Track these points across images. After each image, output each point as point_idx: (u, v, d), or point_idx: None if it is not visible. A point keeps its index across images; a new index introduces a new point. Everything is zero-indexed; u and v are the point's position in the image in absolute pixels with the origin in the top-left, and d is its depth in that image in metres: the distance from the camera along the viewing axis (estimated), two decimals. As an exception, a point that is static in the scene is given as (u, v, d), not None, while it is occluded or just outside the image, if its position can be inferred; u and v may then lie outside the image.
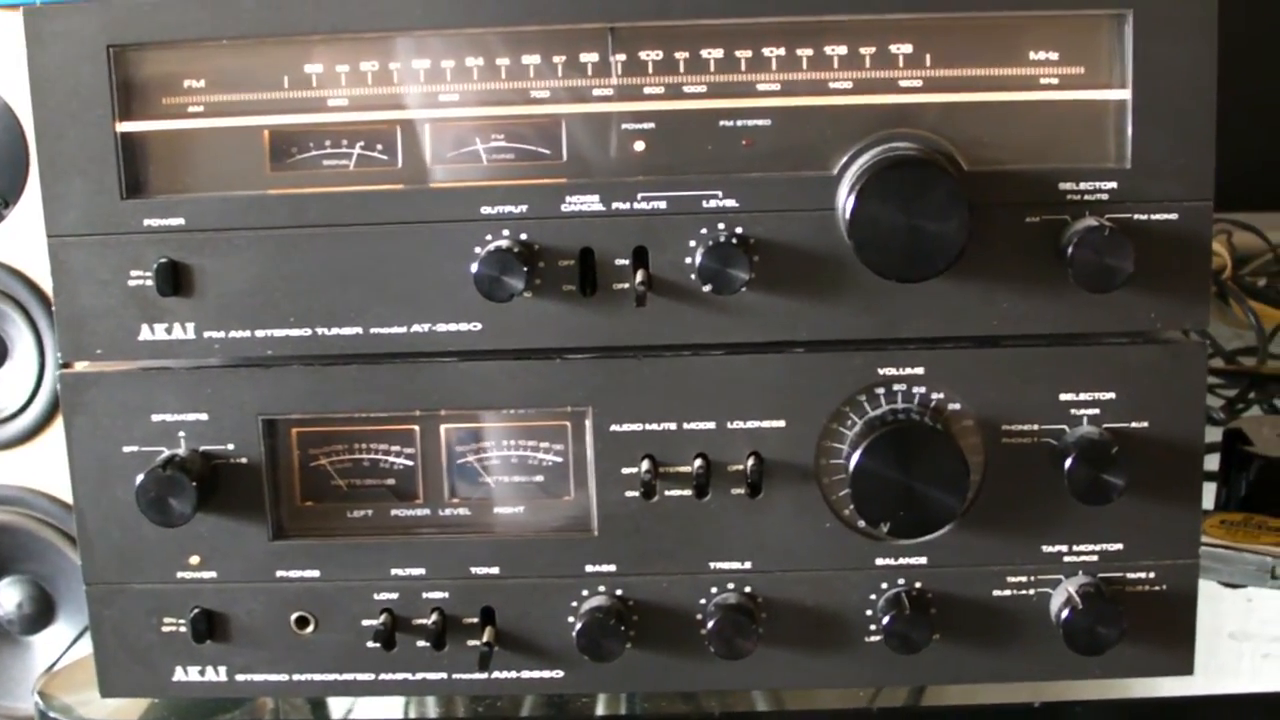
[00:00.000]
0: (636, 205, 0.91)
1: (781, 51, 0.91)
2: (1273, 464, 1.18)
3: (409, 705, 1.03)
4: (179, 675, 0.99)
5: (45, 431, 1.30)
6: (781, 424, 0.93)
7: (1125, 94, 0.90)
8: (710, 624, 0.94)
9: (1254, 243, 1.74)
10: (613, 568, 0.95)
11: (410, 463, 0.97)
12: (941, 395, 0.93)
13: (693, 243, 0.91)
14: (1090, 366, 0.92)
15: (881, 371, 0.93)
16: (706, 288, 0.90)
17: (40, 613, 1.36)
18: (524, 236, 0.92)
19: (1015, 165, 0.91)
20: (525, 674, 0.97)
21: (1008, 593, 0.95)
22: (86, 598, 0.98)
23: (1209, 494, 1.23)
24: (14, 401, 1.31)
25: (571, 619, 0.95)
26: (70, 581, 1.34)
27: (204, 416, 0.95)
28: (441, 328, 0.93)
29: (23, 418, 1.30)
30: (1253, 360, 1.55)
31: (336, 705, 1.04)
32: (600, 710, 1.02)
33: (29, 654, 1.37)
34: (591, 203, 0.92)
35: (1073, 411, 0.93)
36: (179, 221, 0.93)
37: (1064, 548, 0.94)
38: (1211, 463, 1.24)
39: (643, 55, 0.91)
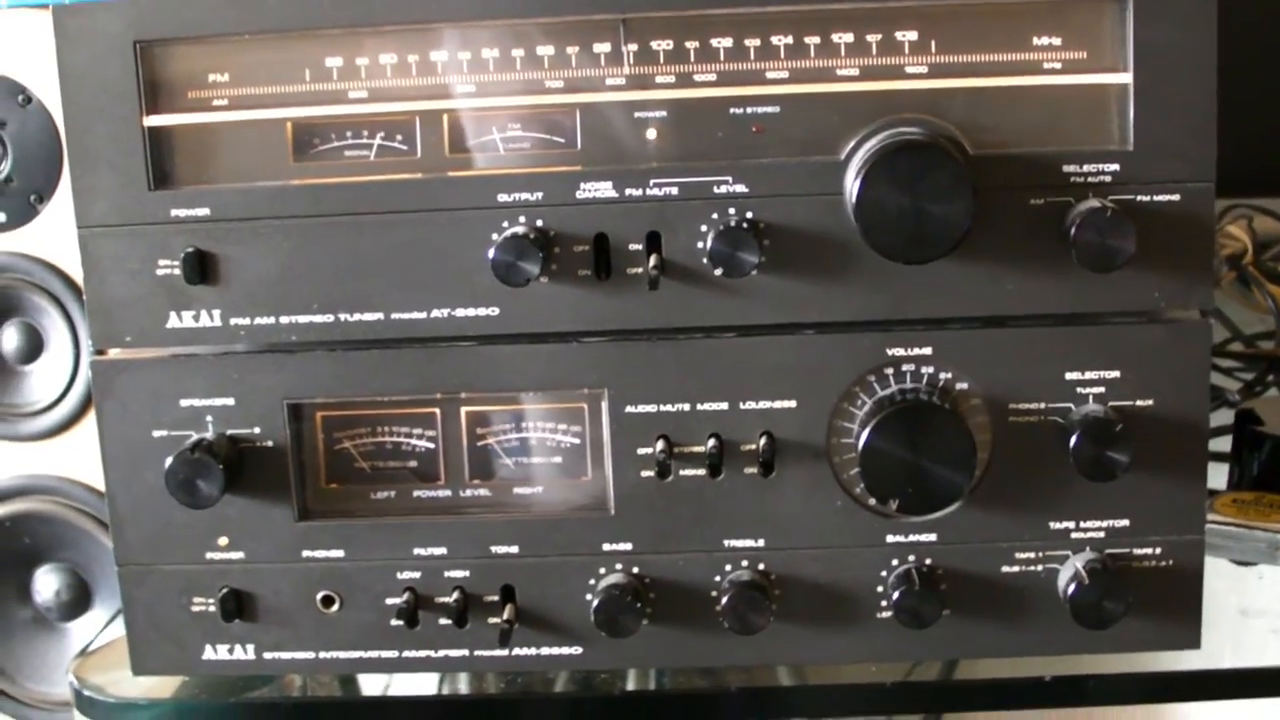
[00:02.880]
0: (649, 191, 0.93)
1: (789, 40, 0.93)
2: (1284, 444, 1.19)
3: (443, 682, 1.06)
4: (208, 654, 1.01)
5: (81, 422, 1.33)
6: (793, 404, 0.95)
7: (1127, 78, 0.91)
8: (724, 600, 0.96)
9: (1276, 227, 1.75)
10: (629, 546, 0.97)
11: (432, 445, 1.00)
12: (949, 375, 0.95)
13: (704, 227, 0.93)
14: (1095, 346, 0.94)
15: (890, 352, 0.94)
16: (718, 271, 0.92)
17: (77, 600, 1.38)
18: (540, 223, 0.94)
19: (1019, 148, 0.92)
20: (545, 650, 0.99)
21: (1016, 569, 0.97)
22: (118, 579, 1.00)
23: (1222, 474, 1.24)
24: (50, 393, 1.33)
25: (589, 596, 0.98)
26: (106, 569, 1.36)
27: (231, 401, 0.97)
28: (460, 312, 0.95)
29: (59, 408, 1.33)
30: (1272, 344, 1.56)
31: (372, 684, 1.06)
32: (630, 686, 1.04)
33: (67, 640, 1.39)
34: (605, 189, 0.94)
35: (1078, 390, 0.94)
36: (205, 212, 0.95)
37: (1071, 524, 0.96)
38: (1225, 444, 1.26)
39: (654, 45, 0.93)
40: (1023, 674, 1.01)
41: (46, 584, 1.38)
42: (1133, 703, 1.04)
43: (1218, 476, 1.22)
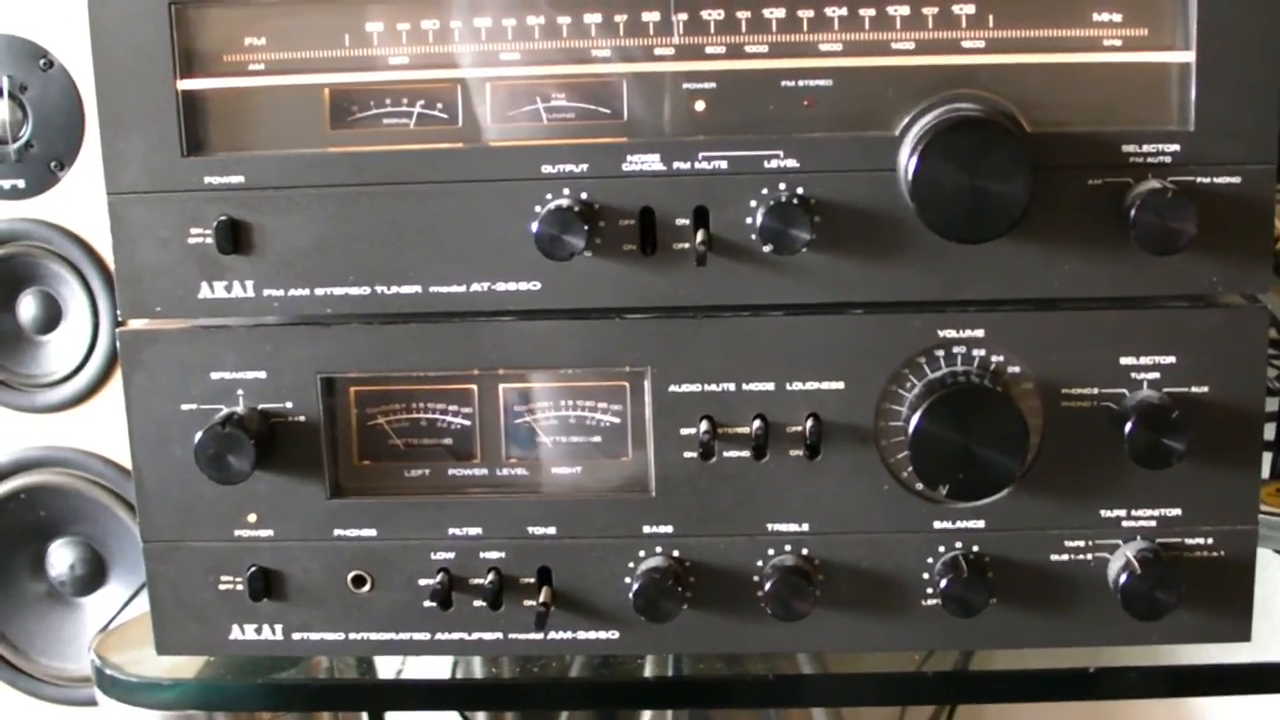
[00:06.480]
0: (697, 165, 0.91)
1: (844, 11, 0.90)
2: (1330, 433, 1.17)
3: (456, 665, 1.04)
4: (235, 634, 0.99)
5: (98, 394, 1.31)
6: (840, 385, 0.93)
7: (1189, 56, 0.89)
8: (767, 586, 0.94)
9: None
10: (670, 529, 0.95)
11: (468, 422, 0.97)
12: (1001, 358, 0.93)
13: (753, 203, 0.91)
14: (1151, 330, 0.92)
15: (941, 333, 0.92)
16: (767, 248, 0.90)
17: (92, 574, 1.37)
18: (584, 196, 0.92)
19: (1078, 127, 0.90)
20: (581, 634, 0.97)
21: (1065, 557, 0.95)
22: (144, 555, 0.98)
23: (1266, 462, 1.22)
24: (68, 364, 1.31)
25: (628, 580, 0.95)
26: (122, 543, 1.35)
27: (263, 375, 0.95)
28: (501, 287, 0.93)
29: (76, 380, 1.31)
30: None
31: (386, 665, 1.05)
32: (648, 672, 1.02)
33: (81, 615, 1.38)
34: (652, 162, 0.91)
35: (1133, 375, 0.92)
36: (239, 179, 0.93)
37: (1122, 512, 0.94)
38: (1269, 431, 1.24)
39: (704, 15, 0.91)
40: (1050, 665, 0.99)
41: (61, 558, 1.37)
42: (1166, 696, 1.02)
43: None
